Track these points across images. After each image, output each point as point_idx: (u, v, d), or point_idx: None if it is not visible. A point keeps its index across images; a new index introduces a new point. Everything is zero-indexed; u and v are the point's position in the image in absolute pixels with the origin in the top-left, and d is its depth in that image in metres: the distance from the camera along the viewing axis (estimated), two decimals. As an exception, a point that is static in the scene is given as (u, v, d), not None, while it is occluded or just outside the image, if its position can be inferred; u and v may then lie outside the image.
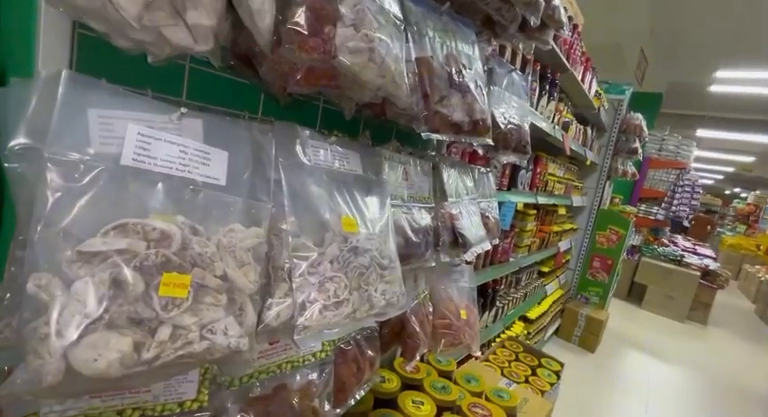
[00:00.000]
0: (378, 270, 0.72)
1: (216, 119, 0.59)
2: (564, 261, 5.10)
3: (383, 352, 1.13)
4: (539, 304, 4.37)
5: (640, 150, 4.91)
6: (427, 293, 1.24)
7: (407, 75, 0.75)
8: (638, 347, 5.09)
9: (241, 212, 0.59)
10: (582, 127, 4.04)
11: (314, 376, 0.78)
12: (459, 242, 1.09)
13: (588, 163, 4.60)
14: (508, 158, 1.30)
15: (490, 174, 1.40)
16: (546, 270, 4.63)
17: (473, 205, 1.23)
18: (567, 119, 3.49)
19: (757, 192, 14.18)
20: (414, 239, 0.92)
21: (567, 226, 4.69)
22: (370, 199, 0.79)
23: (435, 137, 0.82)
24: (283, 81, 0.69)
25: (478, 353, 1.37)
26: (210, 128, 0.58)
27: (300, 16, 0.60)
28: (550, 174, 3.60)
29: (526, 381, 2.56)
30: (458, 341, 1.30)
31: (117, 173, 0.47)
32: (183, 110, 0.54)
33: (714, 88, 6.83)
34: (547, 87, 2.83)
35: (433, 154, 1.29)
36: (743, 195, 17.09)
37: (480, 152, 1.14)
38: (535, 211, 3.60)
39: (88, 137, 0.46)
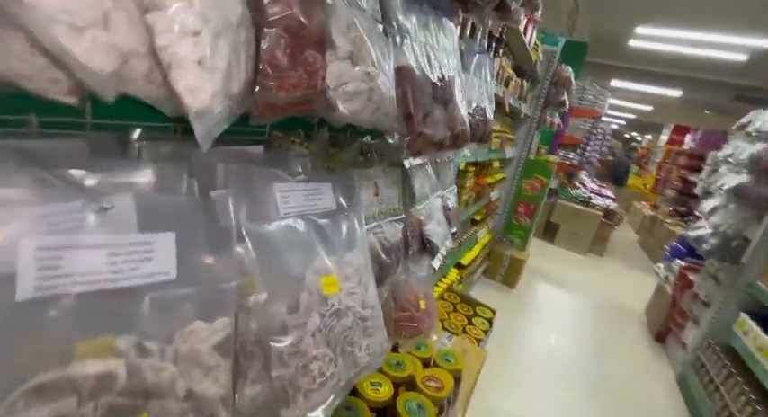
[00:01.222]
0: (360, 325, 0.64)
1: (149, 192, 0.43)
2: (494, 208, 5.46)
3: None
4: (470, 250, 4.70)
5: (568, 103, 5.16)
6: (389, 291, 1.21)
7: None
8: (548, 279, 5.86)
9: (201, 305, 0.46)
10: (519, 79, 4.08)
11: None
12: (427, 247, 1.04)
13: (522, 116, 4.74)
14: (470, 149, 1.23)
15: (451, 163, 1.34)
16: (478, 218, 4.92)
17: (438, 201, 1.17)
18: (508, 75, 3.47)
19: (649, 137, 16.14)
20: (387, 261, 0.85)
21: (499, 177, 4.93)
22: (347, 236, 0.68)
23: (417, 162, 0.71)
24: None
25: (435, 337, 1.42)
26: (145, 207, 0.42)
27: (274, 44, 0.43)
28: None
29: (464, 331, 2.81)
30: (418, 332, 1.32)
31: (14, 313, 0.32)
32: (107, 204, 0.38)
33: (633, 42, 7.24)
34: (494, 45, 2.73)
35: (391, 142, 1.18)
36: (638, 139, 19.37)
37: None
38: (474, 168, 3.69)
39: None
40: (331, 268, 0.61)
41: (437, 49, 0.77)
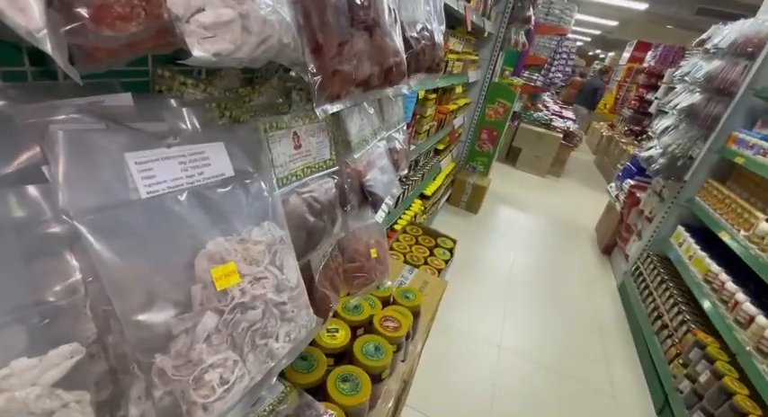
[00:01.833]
0: (275, 312, 0.55)
1: None
2: (457, 136, 5.34)
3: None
4: (434, 180, 4.68)
5: (533, 19, 4.83)
6: (335, 245, 1.13)
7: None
8: (508, 202, 6.05)
9: (18, 332, 0.34)
10: (483, -8, 3.70)
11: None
12: (368, 200, 0.93)
13: (486, 34, 4.42)
14: (418, 79, 1.07)
15: (399, 98, 1.17)
16: (441, 147, 4.83)
17: (381, 144, 1.04)
18: (470, -13, 3.12)
19: (612, 54, 15.90)
20: (318, 224, 0.73)
21: (462, 102, 4.74)
22: (251, 208, 0.55)
23: (335, 108, 0.56)
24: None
25: (389, 283, 1.38)
26: None
27: None
28: (451, 52, 3.37)
29: (425, 262, 2.86)
30: (369, 281, 1.27)
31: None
32: None
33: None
34: (453, -53, 2.37)
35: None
36: (601, 56, 19.06)
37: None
38: (435, 95, 3.47)
39: None
40: (227, 252, 0.49)
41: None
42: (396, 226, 3.55)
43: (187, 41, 0.33)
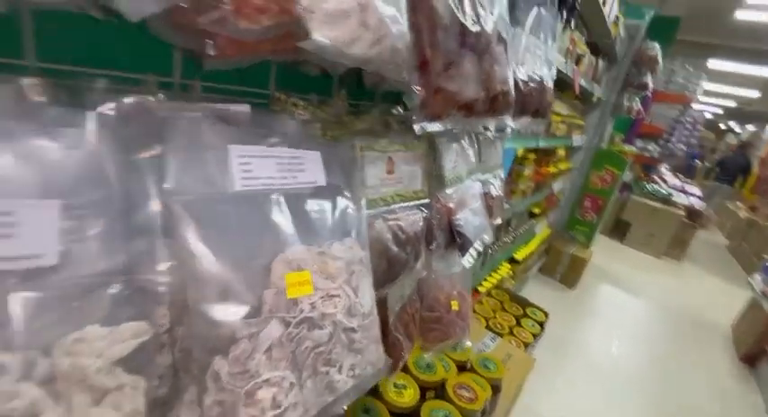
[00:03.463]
0: (343, 338, 0.50)
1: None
2: (555, 201, 5.00)
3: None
4: (526, 244, 4.35)
5: (651, 85, 4.52)
6: (414, 287, 1.05)
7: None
8: (614, 282, 5.28)
9: (101, 299, 0.34)
10: (594, 58, 3.60)
11: None
12: (456, 241, 0.86)
13: (595, 99, 4.24)
14: (522, 123, 1.02)
15: (498, 141, 1.12)
16: (537, 211, 4.53)
17: (475, 185, 0.98)
18: (580, 52, 3.07)
19: (751, 127, 13.88)
20: (400, 255, 0.69)
21: (564, 167, 4.48)
22: (337, 222, 0.53)
23: (434, 128, 0.54)
24: (194, 46, 0.40)
25: (469, 344, 1.24)
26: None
27: None
28: (555, 114, 3.27)
29: (510, 332, 2.57)
30: (446, 337, 1.15)
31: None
32: None
33: (740, 14, 6.15)
34: (564, 13, 2.38)
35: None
36: (737, 130, 16.81)
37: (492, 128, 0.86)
38: (534, 155, 3.35)
39: None
40: (304, 262, 0.47)
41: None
42: (480, 289, 3.31)
43: (308, 26, 0.34)
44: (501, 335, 2.47)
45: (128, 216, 0.37)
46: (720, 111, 15.87)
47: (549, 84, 1.00)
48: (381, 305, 0.92)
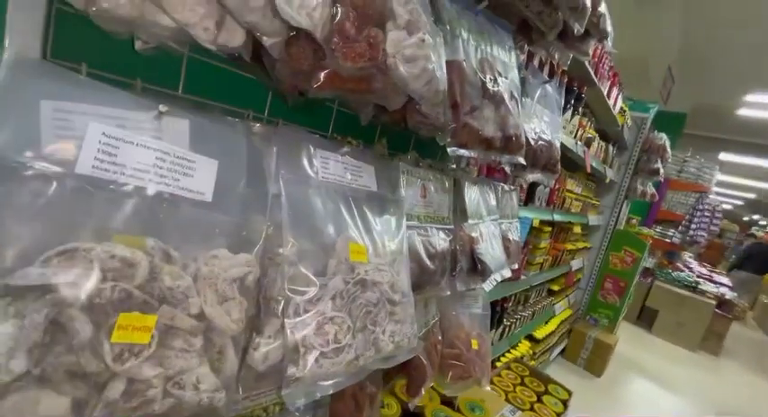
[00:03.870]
0: (387, 306, 0.61)
1: (206, 121, 0.49)
2: (575, 280, 4.94)
3: (385, 384, 1.02)
4: (546, 323, 4.22)
5: (662, 171, 4.74)
6: (437, 320, 1.13)
7: (437, 80, 0.64)
8: (645, 374, 4.89)
9: (229, 234, 0.49)
10: (603, 143, 3.90)
11: (305, 420, 0.68)
12: (477, 268, 0.98)
13: (607, 181, 4.45)
14: (535, 177, 1.18)
15: (514, 193, 1.28)
16: (556, 288, 4.47)
17: (494, 226, 1.12)
18: (589, 135, 3.36)
19: (776, 219, 13.72)
20: (429, 266, 0.81)
21: (581, 245, 4.54)
22: (384, 220, 0.68)
23: (462, 153, 0.71)
24: (300, 82, 0.59)
25: (488, 388, 1.25)
26: (199, 131, 0.48)
27: (344, 17, 0.50)
28: (568, 191, 3.46)
29: (531, 408, 2.43)
30: (467, 375, 1.18)
31: (70, 183, 0.37)
32: (163, 107, 0.44)
33: (743, 112, 6.60)
34: (572, 101, 2.71)
35: (454, 167, 1.18)
36: (761, 223, 16.59)
37: (507, 169, 1.03)
38: (550, 228, 3.46)
39: (36, 136, 0.36)
40: (361, 239, 0.61)
41: (491, 55, 0.80)
42: (497, 363, 3.19)
43: (393, 64, 0.52)
44: (521, 410, 2.34)
45: (252, 187, 0.53)
46: (741, 202, 15.86)
47: (557, 144, 1.19)
48: None
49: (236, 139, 0.52)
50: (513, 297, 3.37)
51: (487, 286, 0.97)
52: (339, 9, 0.52)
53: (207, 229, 0.47)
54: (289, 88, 0.64)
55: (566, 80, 2.50)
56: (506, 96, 0.80)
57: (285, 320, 0.51)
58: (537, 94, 1.14)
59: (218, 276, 0.45)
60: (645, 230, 5.78)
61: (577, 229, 4.37)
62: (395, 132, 1.10)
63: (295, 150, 0.59)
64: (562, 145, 2.64)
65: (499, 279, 1.05)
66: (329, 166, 0.63)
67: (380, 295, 0.60)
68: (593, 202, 4.35)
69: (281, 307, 0.52)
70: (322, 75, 0.54)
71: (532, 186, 2.75)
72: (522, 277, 3.19)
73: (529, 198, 2.76)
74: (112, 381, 0.37)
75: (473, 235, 0.97)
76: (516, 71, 0.90)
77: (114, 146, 0.40)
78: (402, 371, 1.06)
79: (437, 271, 0.83)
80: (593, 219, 4.27)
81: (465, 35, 0.74)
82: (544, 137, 1.12)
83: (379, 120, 0.92)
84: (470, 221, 0.97)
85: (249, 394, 0.50)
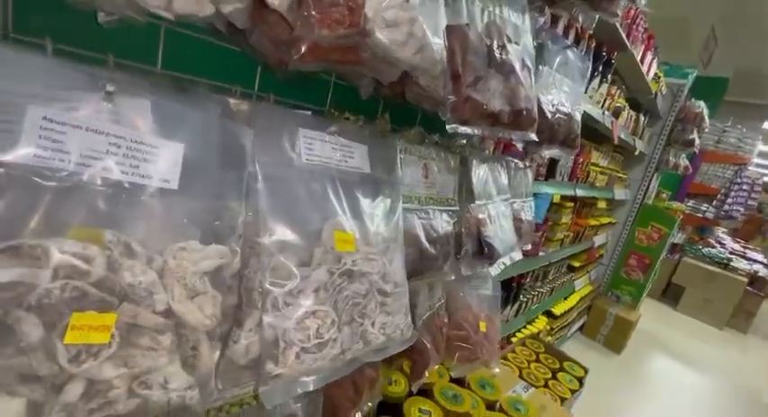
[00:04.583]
0: (378, 297, 0.57)
1: (171, 101, 0.45)
2: (597, 255, 4.81)
3: (388, 367, 1.00)
4: (565, 299, 4.16)
5: (698, 142, 4.44)
6: (443, 302, 1.10)
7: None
8: (668, 352, 4.81)
9: (201, 224, 0.46)
10: (634, 113, 3.66)
11: (297, 406, 0.67)
12: (484, 251, 0.93)
13: (636, 153, 4.22)
14: (552, 153, 1.10)
15: (529, 170, 1.20)
16: (577, 264, 4.37)
17: (505, 206, 1.05)
18: (618, 105, 3.14)
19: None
20: (430, 251, 0.76)
21: (605, 220, 4.37)
22: (377, 205, 0.63)
23: (463, 130, 0.64)
24: (281, 54, 0.54)
25: (497, 370, 1.23)
26: (162, 112, 0.44)
27: None
28: (593, 164, 3.29)
29: (545, 385, 2.42)
30: (474, 357, 1.16)
31: (12, 173, 0.34)
32: (110, 87, 0.40)
33: (792, 74, 6.05)
34: (600, 68, 2.52)
35: (464, 142, 1.11)
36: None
37: (519, 145, 0.95)
38: (572, 204, 3.33)
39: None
40: (350, 226, 0.56)
41: (500, 18, 0.71)
42: (513, 339, 3.18)
43: (372, 28, 0.46)
44: (535, 387, 2.33)
45: (226, 171, 0.49)
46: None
47: (577, 116, 1.09)
48: (411, 308, 0.98)
49: (208, 120, 0.48)
50: (530, 274, 3.31)
51: (494, 270, 0.92)
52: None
53: (174, 219, 0.44)
54: (273, 61, 0.58)
55: (593, 45, 2.31)
56: (517, 65, 0.72)
57: (263, 315, 0.48)
58: (556, 62, 1.03)
59: (186, 269, 0.43)
60: (675, 205, 5.50)
61: (602, 204, 4.20)
62: (399, 106, 1.03)
63: (275, 130, 0.54)
64: (587, 115, 2.48)
65: (508, 263, 1.00)
66: (314, 147, 0.58)
67: (370, 286, 0.56)
68: (620, 175, 4.14)
69: (261, 298, 0.49)
70: (303, 45, 0.48)
71: (554, 160, 2.62)
72: (541, 253, 3.11)
73: (550, 172, 2.64)
74: (70, 383, 0.36)
75: (480, 216, 0.91)
76: (530, 36, 0.80)
77: (59, 132, 0.36)
78: (405, 353, 1.04)
79: (439, 256, 0.79)
80: (619, 194, 4.08)
81: (470, -5, 0.66)
82: (563, 109, 1.02)
83: (381, 94, 0.86)
84: (478, 202, 0.91)
85: (231, 387, 0.48)
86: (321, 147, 0.59)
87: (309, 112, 0.68)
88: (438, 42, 0.55)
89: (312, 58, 0.52)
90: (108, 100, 0.40)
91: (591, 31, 1.99)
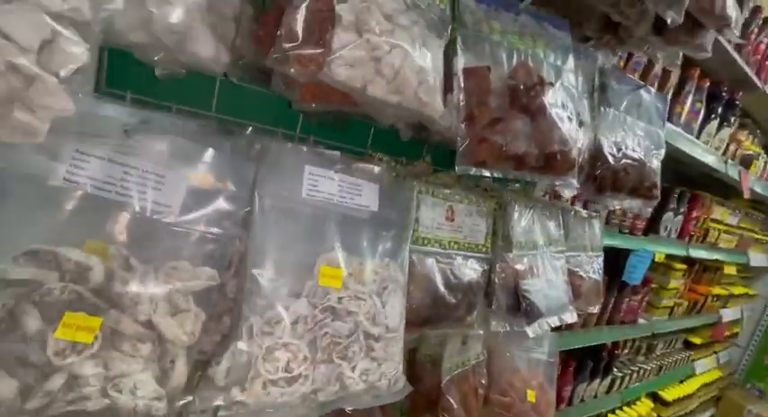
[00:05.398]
0: (363, 341, 0.55)
1: (186, 139, 0.52)
2: (728, 334, 3.89)
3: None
4: (681, 383, 3.43)
5: None
6: (483, 359, 1.00)
7: (444, 89, 0.57)
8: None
9: (194, 247, 0.50)
10: (775, 161, 3.03)
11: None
12: (521, 307, 0.83)
13: (782, 210, 3.45)
14: (622, 203, 0.97)
15: (596, 221, 1.07)
16: (697, 341, 3.60)
17: (555, 259, 0.94)
18: (749, 152, 2.65)
19: None
20: (447, 298, 0.71)
21: (738, 291, 3.58)
22: (379, 243, 0.62)
23: (479, 172, 0.61)
24: (289, 95, 0.60)
25: (547, 452, 1.05)
26: (177, 148, 0.51)
27: (295, 19, 0.49)
28: (714, 221, 2.77)
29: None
30: (516, 431, 1.01)
31: (43, 192, 0.43)
32: (126, 127, 0.48)
33: None
34: (719, 110, 2.18)
35: (516, 187, 1.04)
36: None
37: (566, 193, 0.86)
38: (685, 266, 2.81)
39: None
40: (343, 262, 0.56)
41: (534, 59, 0.67)
42: (602, 422, 2.68)
43: (329, 66, 0.49)
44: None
45: (227, 202, 0.54)
46: None
47: (654, 163, 0.95)
48: (430, 362, 0.91)
49: (216, 155, 0.54)
50: (628, 344, 2.83)
51: (532, 330, 0.81)
52: (296, 12, 0.49)
53: (170, 241, 0.49)
54: (297, 102, 0.64)
55: (706, 84, 2.03)
56: (553, 105, 0.67)
57: (238, 340, 0.50)
58: (624, 103, 0.93)
59: (173, 289, 0.47)
60: None
61: (731, 270, 3.46)
62: (443, 148, 1.02)
63: (280, 166, 0.58)
64: (700, 164, 2.14)
65: (555, 324, 0.88)
66: (318, 184, 0.60)
67: (355, 326, 0.54)
68: (758, 236, 3.40)
69: (240, 326, 0.51)
70: (303, 88, 0.53)
71: (658, 213, 2.28)
72: (641, 320, 2.65)
73: (650, 226, 2.29)
74: (55, 374, 0.41)
75: (519, 267, 0.83)
76: (575, 76, 0.74)
77: (84, 161, 0.45)
78: (431, 410, 0.96)
79: (459, 305, 0.73)
80: (756, 258, 3.34)
81: (497, 38, 0.65)
82: (632, 154, 0.90)
83: (420, 136, 0.87)
84: (516, 251, 0.83)
85: (207, 405, 0.50)
86: (325, 184, 0.61)
87: (339, 153, 0.72)
88: (428, 83, 0.54)
89: (312, 98, 0.56)
90: (129, 136, 0.49)
91: (697, 70, 1.76)
